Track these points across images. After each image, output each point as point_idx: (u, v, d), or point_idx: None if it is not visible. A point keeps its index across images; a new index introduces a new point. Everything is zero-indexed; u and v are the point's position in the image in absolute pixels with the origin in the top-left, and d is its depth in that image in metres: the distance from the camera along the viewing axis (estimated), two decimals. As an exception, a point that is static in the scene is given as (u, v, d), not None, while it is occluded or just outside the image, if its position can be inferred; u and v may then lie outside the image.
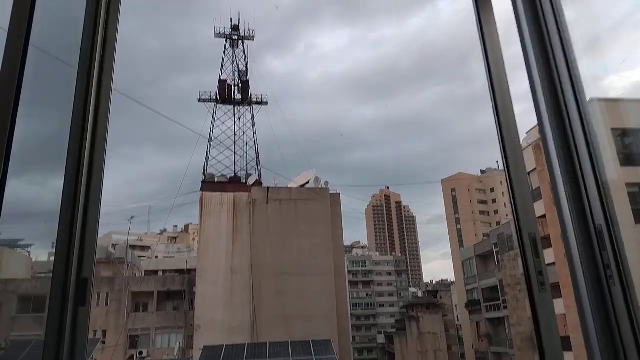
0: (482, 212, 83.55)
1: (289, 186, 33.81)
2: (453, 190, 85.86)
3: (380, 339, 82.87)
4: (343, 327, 31.56)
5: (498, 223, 58.34)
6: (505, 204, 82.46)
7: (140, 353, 32.40)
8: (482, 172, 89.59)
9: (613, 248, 1.40)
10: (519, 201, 1.70)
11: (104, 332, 33.33)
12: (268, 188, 32.47)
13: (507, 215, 72.56)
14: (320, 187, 33.79)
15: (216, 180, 32.89)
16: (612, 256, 1.40)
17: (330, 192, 34.05)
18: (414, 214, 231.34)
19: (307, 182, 33.94)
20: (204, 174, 32.64)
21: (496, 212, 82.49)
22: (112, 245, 43.91)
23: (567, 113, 1.56)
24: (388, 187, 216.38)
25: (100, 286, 34.64)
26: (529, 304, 1.62)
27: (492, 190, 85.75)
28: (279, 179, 33.87)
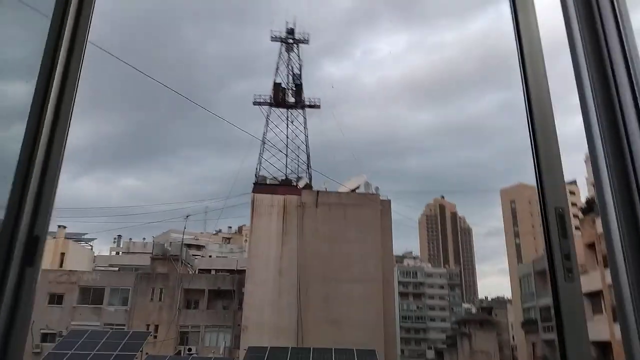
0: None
1: (339, 191, 33.64)
2: (512, 202, 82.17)
3: (430, 354, 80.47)
4: (390, 337, 30.82)
5: (560, 239, 55.08)
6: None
7: (189, 349, 33.12)
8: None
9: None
10: (545, 166, 1.38)
11: (156, 327, 34.44)
12: (318, 192, 32.45)
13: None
14: (370, 192, 33.37)
15: (268, 182, 33.28)
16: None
17: (382, 198, 33.51)
18: (470, 226, 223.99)
19: (358, 187, 33.61)
20: (256, 175, 33.19)
21: (559, 227, 77.91)
22: (170, 242, 45.45)
23: (627, 135, 1.21)
24: (443, 197, 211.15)
25: (156, 282, 35.92)
26: (552, 295, 1.29)
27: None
28: (329, 183, 33.81)
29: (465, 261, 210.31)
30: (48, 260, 40.79)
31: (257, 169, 34.08)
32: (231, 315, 34.29)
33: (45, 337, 32.94)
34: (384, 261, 31.66)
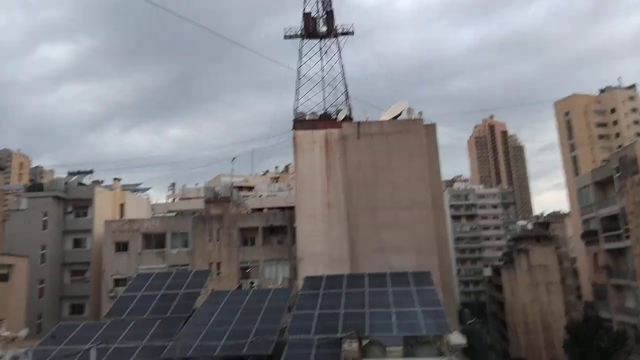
0: (600, 137, 75.02)
1: (380, 119, 32.86)
2: (567, 113, 77.62)
3: (487, 271, 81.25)
4: (444, 259, 31.04)
5: (620, 147, 52.00)
6: (628, 126, 73.15)
7: (251, 283, 35.08)
8: (601, 91, 79.39)
9: None
10: None
11: (218, 264, 36.51)
12: (359, 122, 31.88)
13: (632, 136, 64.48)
14: (413, 118, 32.38)
15: (307, 118, 32.99)
16: None
17: (426, 123, 32.48)
18: (521, 143, 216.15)
19: (400, 114, 32.66)
20: (295, 113, 32.90)
21: (617, 135, 73.54)
22: (220, 186, 46.86)
23: None
24: (492, 117, 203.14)
25: (212, 223, 37.60)
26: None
27: (613, 110, 76.02)
28: (369, 113, 33.01)
29: (518, 179, 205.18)
30: (109, 211, 43.41)
31: (295, 106, 33.74)
32: (286, 248, 35.64)
33: (117, 282, 35.78)
34: (432, 186, 31.24)
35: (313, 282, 24.74)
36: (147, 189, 51.31)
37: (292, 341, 17.89)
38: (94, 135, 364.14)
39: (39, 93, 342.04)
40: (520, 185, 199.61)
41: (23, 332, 24.70)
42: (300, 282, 26.37)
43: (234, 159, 38.08)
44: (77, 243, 41.68)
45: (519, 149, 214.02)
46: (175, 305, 22.21)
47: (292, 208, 34.62)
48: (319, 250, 30.57)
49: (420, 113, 32.96)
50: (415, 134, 31.47)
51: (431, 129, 32.67)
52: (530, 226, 78.74)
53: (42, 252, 39.52)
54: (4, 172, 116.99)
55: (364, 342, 17.83)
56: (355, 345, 17.76)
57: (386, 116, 33.32)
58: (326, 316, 20.24)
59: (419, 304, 21.07)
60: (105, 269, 36.94)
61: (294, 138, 32.24)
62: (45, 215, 40.18)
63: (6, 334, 20.03)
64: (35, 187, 42.75)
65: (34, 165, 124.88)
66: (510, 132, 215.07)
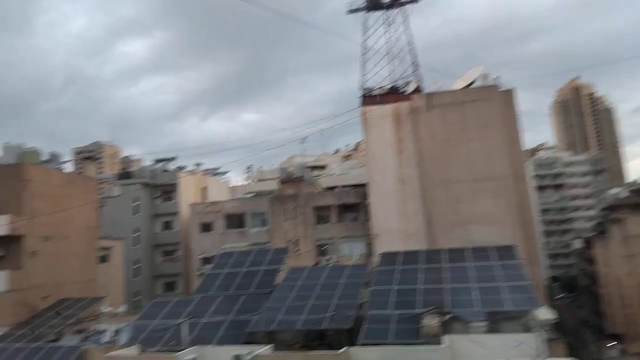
0: None
1: (453, 88, 31.44)
2: (666, 67, 69.74)
3: (577, 244, 76.43)
4: (528, 232, 29.49)
5: None
6: None
7: (328, 259, 35.70)
8: None
9: None
10: None
11: (296, 242, 37.46)
12: (429, 94, 30.75)
13: None
14: (489, 84, 30.63)
15: (375, 93, 32.36)
16: None
17: (503, 89, 30.63)
18: (611, 105, 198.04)
19: (474, 81, 31.04)
20: (362, 88, 32.36)
21: None
22: (293, 166, 47.77)
23: None
24: (577, 78, 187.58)
25: (287, 203, 38.50)
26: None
27: None
28: (442, 83, 31.67)
29: (609, 144, 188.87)
30: (193, 194, 45.89)
31: (362, 81, 33.13)
32: (360, 225, 35.67)
33: (204, 261, 37.93)
34: (512, 156, 29.58)
35: (389, 258, 24.65)
36: (226, 172, 53.60)
37: (371, 316, 18.00)
38: (174, 124, 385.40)
39: (121, 87, 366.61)
40: (611, 151, 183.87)
41: (122, 308, 27.07)
42: (376, 259, 26.35)
43: (304, 139, 38.64)
44: (166, 225, 44.66)
45: (608, 111, 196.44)
46: (258, 281, 23.16)
47: (364, 185, 34.47)
48: (394, 226, 30.23)
49: (497, 78, 31.12)
50: (492, 102, 29.82)
51: (509, 95, 30.75)
52: (624, 194, 72.59)
53: (135, 235, 42.82)
54: (97, 162, 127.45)
55: (445, 317, 17.50)
56: (435, 320, 17.50)
57: (459, 84, 31.82)
58: (404, 292, 20.13)
59: (502, 279, 20.33)
60: (192, 248, 39.29)
61: (363, 114, 31.82)
62: (136, 200, 43.36)
63: (108, 309, 22.00)
64: (125, 175, 46.13)
65: (123, 155, 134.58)
66: (598, 93, 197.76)
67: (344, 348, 14.81)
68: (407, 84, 32.59)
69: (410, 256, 24.36)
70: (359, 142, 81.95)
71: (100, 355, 18.17)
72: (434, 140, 29.84)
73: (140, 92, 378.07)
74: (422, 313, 17.76)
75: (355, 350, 14.80)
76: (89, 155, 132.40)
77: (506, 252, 23.80)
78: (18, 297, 24.71)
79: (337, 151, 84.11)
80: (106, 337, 19.80)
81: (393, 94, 31.91)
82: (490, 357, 14.33)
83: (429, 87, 32.50)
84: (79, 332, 23.70)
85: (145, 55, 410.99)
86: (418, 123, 30.36)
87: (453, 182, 29.10)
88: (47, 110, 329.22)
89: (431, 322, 17.54)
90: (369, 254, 32.47)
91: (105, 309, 22.50)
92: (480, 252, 23.79)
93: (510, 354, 14.15)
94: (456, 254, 23.89)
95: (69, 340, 21.70)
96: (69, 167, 46.98)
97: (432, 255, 24.46)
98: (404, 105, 30.99)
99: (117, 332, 20.26)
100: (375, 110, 31.66)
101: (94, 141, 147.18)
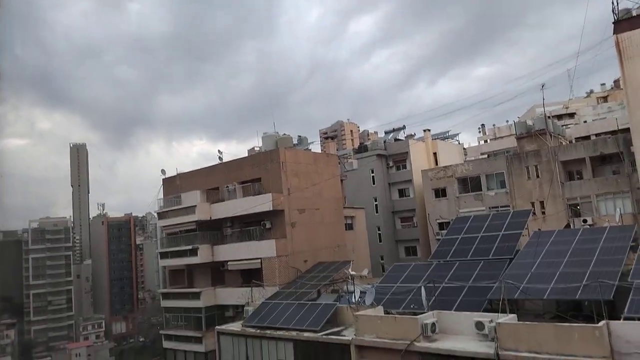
0: None
1: None
2: None
3: None
4: None
5: None
6: None
7: (584, 221, 31.03)
8: None
9: None
10: None
11: (541, 203, 33.82)
12: None
13: None
14: None
15: (634, 14, 26.02)
16: None
17: None
18: None
19: None
20: (613, 12, 26.35)
21: None
22: (533, 119, 42.98)
23: None
24: None
25: (527, 160, 34.98)
26: None
27: None
28: None
29: None
30: (424, 160, 46.04)
31: (614, 3, 26.93)
32: (624, 179, 29.75)
33: (441, 226, 37.79)
34: None
35: None
36: (456, 134, 51.76)
37: (637, 286, 14.92)
38: (405, 93, 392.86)
39: (356, 65, 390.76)
40: None
41: (365, 271, 29.30)
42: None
43: (543, 85, 33.45)
44: (402, 193, 46.19)
45: None
46: (496, 247, 21.85)
47: (626, 130, 28.39)
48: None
49: None
50: None
51: None
52: None
53: (375, 203, 45.62)
54: (338, 139, 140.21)
55: None
56: None
57: None
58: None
59: None
60: (428, 214, 39.63)
61: (617, 43, 26.04)
62: (372, 171, 46.02)
63: (353, 273, 24.09)
64: (361, 149, 49.34)
65: (361, 130, 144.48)
66: None
67: (603, 321, 12.65)
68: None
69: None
70: (617, 79, 68.28)
71: (351, 314, 20.11)
72: None
73: (372, 66, 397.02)
74: None
75: (616, 325, 12.49)
76: (332, 135, 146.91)
77: None
78: (284, 261, 29.40)
79: (590, 93, 71.85)
80: (355, 298, 21.74)
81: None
82: None
83: None
84: (334, 291, 26.76)
85: (373, 30, 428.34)
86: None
87: None
88: (296, 100, 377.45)
89: None
90: (637, 212, 26.85)
91: (352, 271, 24.69)
92: None
93: None
94: None
95: (325, 299, 24.73)
96: (315, 147, 52.85)
97: None
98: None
99: (362, 293, 22.03)
100: (634, 35, 25.54)
101: (335, 121, 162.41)
